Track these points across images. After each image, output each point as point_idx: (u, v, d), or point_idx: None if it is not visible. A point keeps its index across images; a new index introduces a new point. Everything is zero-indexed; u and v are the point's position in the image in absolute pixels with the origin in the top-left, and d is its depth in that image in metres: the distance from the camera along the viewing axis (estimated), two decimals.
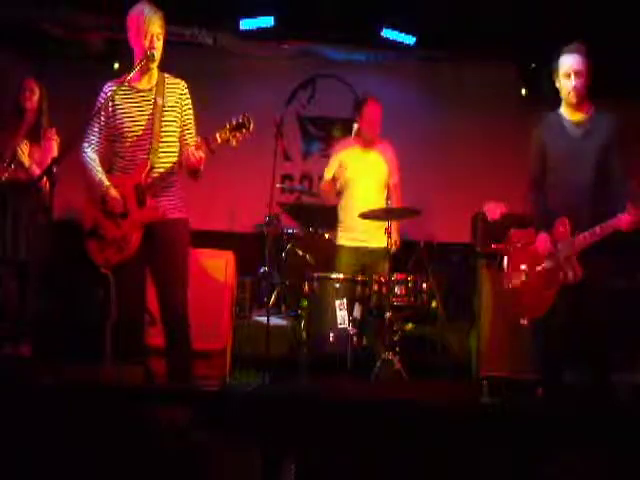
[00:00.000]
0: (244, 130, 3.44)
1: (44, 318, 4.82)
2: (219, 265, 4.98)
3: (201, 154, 3.48)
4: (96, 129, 3.61)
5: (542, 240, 3.73)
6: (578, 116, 3.71)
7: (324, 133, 7.31)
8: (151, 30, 3.53)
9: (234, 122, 3.45)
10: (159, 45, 3.58)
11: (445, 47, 6.58)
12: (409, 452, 2.39)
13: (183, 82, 3.70)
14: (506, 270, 3.95)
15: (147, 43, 3.52)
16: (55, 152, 4.72)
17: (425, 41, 6.44)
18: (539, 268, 3.75)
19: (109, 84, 3.62)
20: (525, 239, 3.85)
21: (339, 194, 5.14)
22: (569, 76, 3.62)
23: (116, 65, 6.30)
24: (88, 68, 6.30)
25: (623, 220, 3.45)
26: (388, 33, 6.35)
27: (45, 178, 3.95)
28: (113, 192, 3.52)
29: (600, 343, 3.62)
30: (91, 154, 3.61)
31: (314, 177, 7.01)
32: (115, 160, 3.63)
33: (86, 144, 3.62)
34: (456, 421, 2.43)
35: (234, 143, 3.48)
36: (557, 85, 3.73)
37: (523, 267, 3.85)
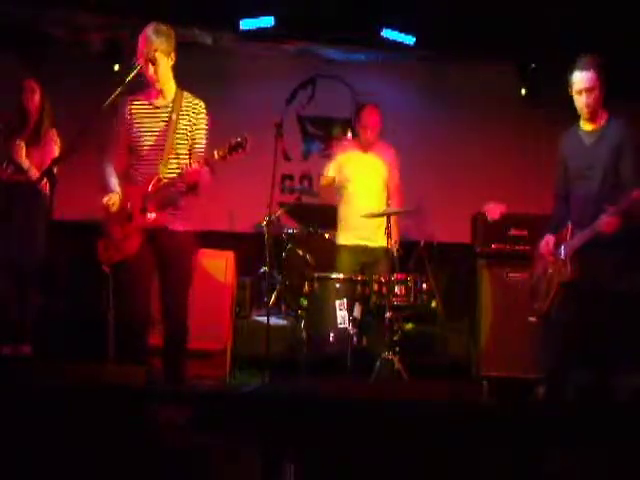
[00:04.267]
0: (240, 150, 3.56)
1: (44, 318, 4.82)
2: (219, 265, 4.98)
3: (198, 168, 3.58)
4: (115, 143, 3.80)
5: (544, 242, 3.84)
6: (593, 125, 3.76)
7: (324, 133, 7.30)
8: (147, 49, 3.62)
9: (233, 142, 3.56)
10: (156, 64, 3.65)
11: (445, 47, 6.57)
12: (409, 452, 2.39)
13: (201, 103, 3.81)
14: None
15: (142, 60, 3.63)
16: (55, 154, 4.70)
17: (425, 41, 6.43)
18: (546, 270, 3.84)
19: (127, 100, 3.75)
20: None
21: (339, 193, 5.16)
22: (581, 93, 3.67)
23: (116, 67, 6.30)
24: (88, 68, 6.30)
25: (603, 223, 3.48)
26: (388, 33, 6.34)
27: (45, 179, 3.96)
28: (113, 196, 3.68)
29: (602, 344, 3.65)
30: (107, 164, 3.80)
31: (314, 177, 6.99)
32: (130, 171, 3.79)
33: (107, 156, 3.81)
34: (456, 421, 2.43)
35: (230, 160, 3.59)
36: (573, 96, 3.77)
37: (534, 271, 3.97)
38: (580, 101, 3.68)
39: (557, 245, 3.78)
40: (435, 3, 5.92)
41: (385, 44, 6.49)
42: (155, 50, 3.62)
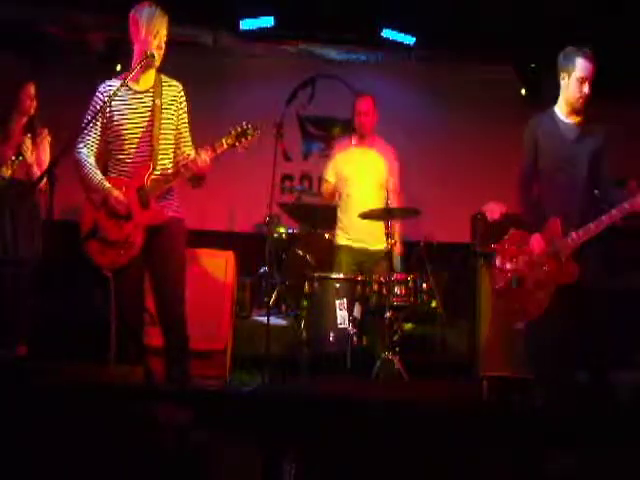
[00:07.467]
0: (249, 137, 3.50)
1: (42, 318, 4.81)
2: (219, 265, 4.97)
3: (207, 158, 3.48)
4: (92, 129, 3.56)
5: (536, 241, 3.74)
6: (573, 119, 3.76)
7: (324, 133, 7.31)
8: (161, 32, 3.53)
9: (239, 129, 3.49)
10: (163, 47, 3.57)
11: (445, 47, 6.59)
12: (409, 452, 2.39)
13: (179, 84, 3.68)
14: (496, 269, 3.91)
15: (156, 42, 3.51)
16: (47, 151, 4.72)
17: (425, 41, 6.44)
18: (536, 269, 3.74)
19: (106, 84, 3.59)
20: (521, 241, 3.85)
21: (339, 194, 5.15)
22: (584, 82, 3.66)
23: (118, 67, 6.29)
24: (88, 68, 6.30)
25: (637, 203, 3.47)
26: (388, 33, 6.35)
27: (45, 178, 3.95)
28: (116, 193, 3.49)
29: (599, 343, 3.64)
30: (87, 155, 3.56)
31: (314, 177, 7.01)
32: (111, 162, 3.60)
33: (82, 144, 3.56)
34: (456, 421, 2.43)
35: (240, 149, 3.52)
36: (562, 82, 3.75)
37: (509, 267, 3.84)
38: (580, 89, 3.66)
39: (548, 242, 3.70)
40: (435, 3, 5.92)
41: (385, 44, 6.50)
42: (165, 32, 3.55)
